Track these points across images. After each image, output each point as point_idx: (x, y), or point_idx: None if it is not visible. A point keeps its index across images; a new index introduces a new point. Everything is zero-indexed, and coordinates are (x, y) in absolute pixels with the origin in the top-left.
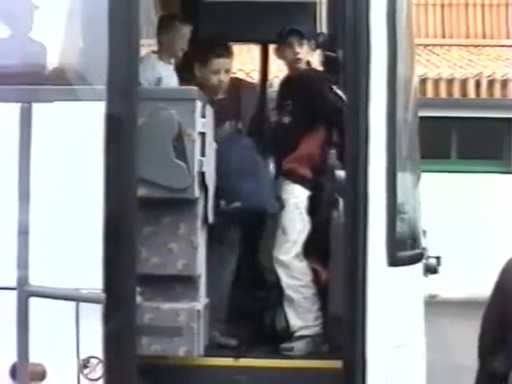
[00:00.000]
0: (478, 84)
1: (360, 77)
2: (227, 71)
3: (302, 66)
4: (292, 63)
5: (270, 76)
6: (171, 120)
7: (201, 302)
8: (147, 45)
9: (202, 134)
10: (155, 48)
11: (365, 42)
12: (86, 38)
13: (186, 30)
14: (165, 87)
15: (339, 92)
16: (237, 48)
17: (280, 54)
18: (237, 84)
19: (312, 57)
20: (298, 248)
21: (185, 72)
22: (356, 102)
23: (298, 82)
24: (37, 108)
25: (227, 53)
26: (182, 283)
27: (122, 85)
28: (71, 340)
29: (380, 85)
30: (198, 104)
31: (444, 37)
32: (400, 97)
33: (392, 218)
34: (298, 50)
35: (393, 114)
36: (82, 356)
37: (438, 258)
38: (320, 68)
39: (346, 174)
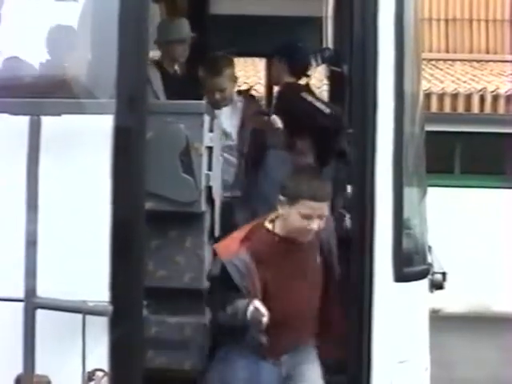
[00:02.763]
0: (482, 99)
1: (367, 91)
2: (320, 217)
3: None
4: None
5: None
6: (179, 134)
7: (207, 315)
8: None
9: (210, 149)
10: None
11: (372, 55)
12: (94, 50)
13: None
14: (174, 101)
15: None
16: (241, 61)
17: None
18: None
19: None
20: None
21: None
22: (363, 117)
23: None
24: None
25: (322, 197)
26: (189, 297)
27: (130, 98)
28: (77, 352)
29: (387, 99)
30: (206, 118)
31: (448, 52)
32: (407, 111)
33: (398, 233)
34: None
35: (400, 129)
36: (88, 368)
37: (443, 273)
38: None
39: (352, 188)
